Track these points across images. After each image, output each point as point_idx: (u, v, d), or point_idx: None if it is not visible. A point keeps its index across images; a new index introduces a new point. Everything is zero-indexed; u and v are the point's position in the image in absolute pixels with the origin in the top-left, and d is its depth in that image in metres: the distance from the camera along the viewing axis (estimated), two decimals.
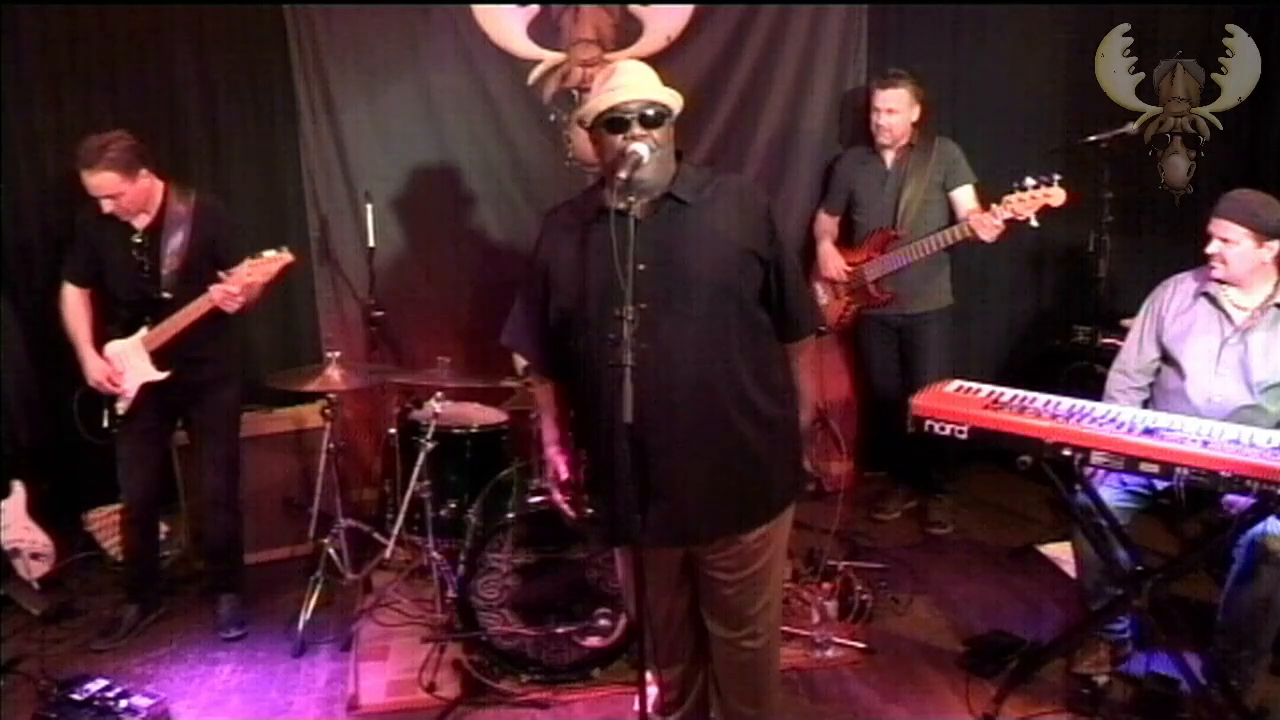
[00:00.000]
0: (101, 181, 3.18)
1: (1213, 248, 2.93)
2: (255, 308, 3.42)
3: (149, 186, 3.31)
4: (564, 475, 2.42)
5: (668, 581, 2.35)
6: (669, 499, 2.18)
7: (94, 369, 3.34)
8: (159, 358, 3.34)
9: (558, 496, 2.44)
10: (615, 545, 2.41)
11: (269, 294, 3.45)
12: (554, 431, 2.47)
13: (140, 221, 3.33)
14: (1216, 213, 2.93)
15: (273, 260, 3.31)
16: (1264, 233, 2.86)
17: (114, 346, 3.35)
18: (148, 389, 3.36)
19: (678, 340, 2.13)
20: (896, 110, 3.99)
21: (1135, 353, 3.16)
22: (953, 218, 4.00)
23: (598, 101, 2.15)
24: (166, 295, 3.31)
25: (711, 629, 2.39)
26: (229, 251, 3.39)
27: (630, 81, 2.15)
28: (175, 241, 3.32)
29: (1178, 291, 3.10)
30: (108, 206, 3.24)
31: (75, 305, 3.41)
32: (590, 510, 2.40)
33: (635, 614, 2.25)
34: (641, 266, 2.05)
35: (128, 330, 3.35)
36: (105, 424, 3.40)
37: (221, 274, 3.32)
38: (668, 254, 2.14)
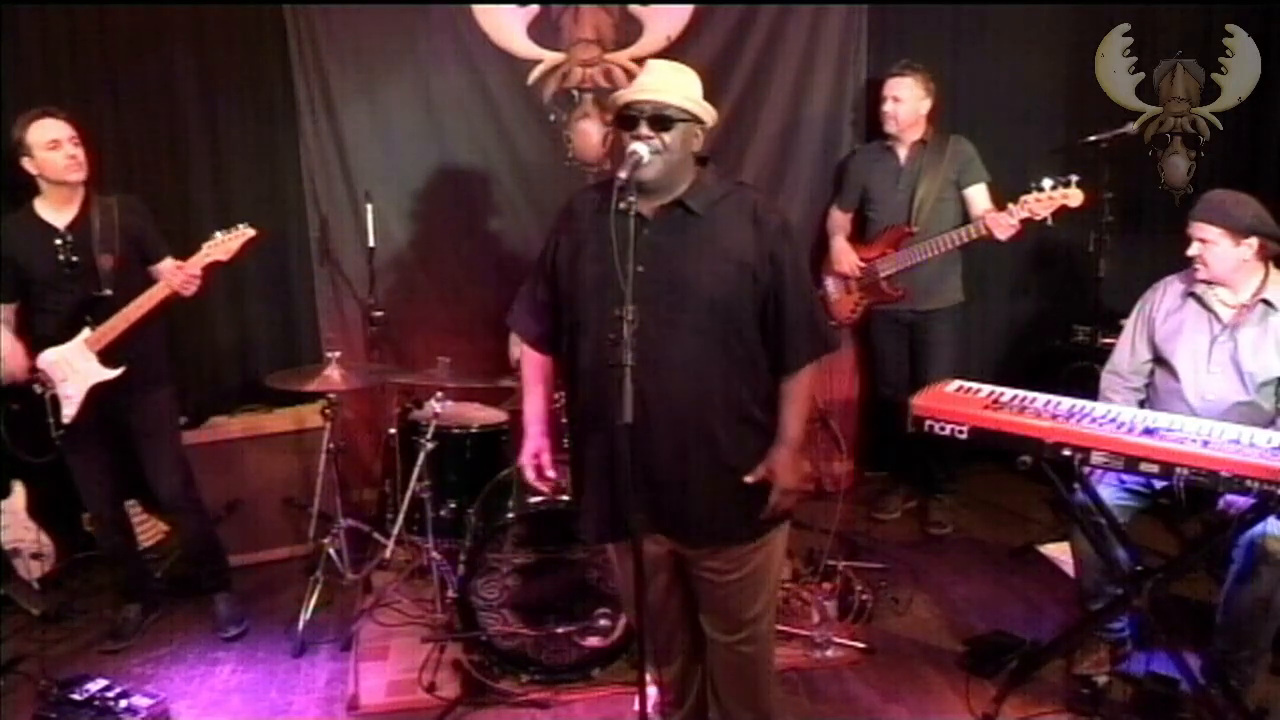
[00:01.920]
0: (69, 127, 3.20)
1: (1193, 250, 2.95)
2: (205, 293, 3.34)
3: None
4: (543, 457, 2.40)
5: (660, 576, 2.35)
6: (647, 497, 2.16)
7: (7, 355, 3.22)
8: (107, 356, 3.26)
9: (530, 475, 2.42)
10: (605, 541, 2.39)
11: (206, 290, 3.34)
12: (539, 407, 2.44)
13: (63, 220, 3.27)
14: (1192, 215, 2.95)
15: (233, 238, 3.26)
16: (1238, 230, 2.87)
17: (51, 354, 3.26)
18: (91, 394, 3.27)
19: (662, 346, 2.12)
20: (902, 99, 3.99)
21: (1128, 354, 3.17)
22: (966, 216, 4.01)
23: (616, 96, 2.19)
24: (108, 292, 3.24)
25: (708, 632, 2.39)
26: (154, 247, 3.36)
27: (652, 82, 2.17)
28: (104, 238, 3.26)
29: (1167, 293, 3.11)
30: (71, 150, 3.20)
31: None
32: (572, 502, 2.38)
33: (634, 614, 2.24)
34: (640, 268, 2.05)
35: (65, 339, 3.25)
36: (51, 434, 3.28)
37: (166, 263, 3.28)
38: (666, 260, 2.14)
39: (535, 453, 2.42)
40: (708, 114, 2.21)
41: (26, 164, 3.23)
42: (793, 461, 2.25)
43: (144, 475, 3.53)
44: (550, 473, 2.43)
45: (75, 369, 3.27)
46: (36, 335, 3.30)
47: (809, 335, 2.26)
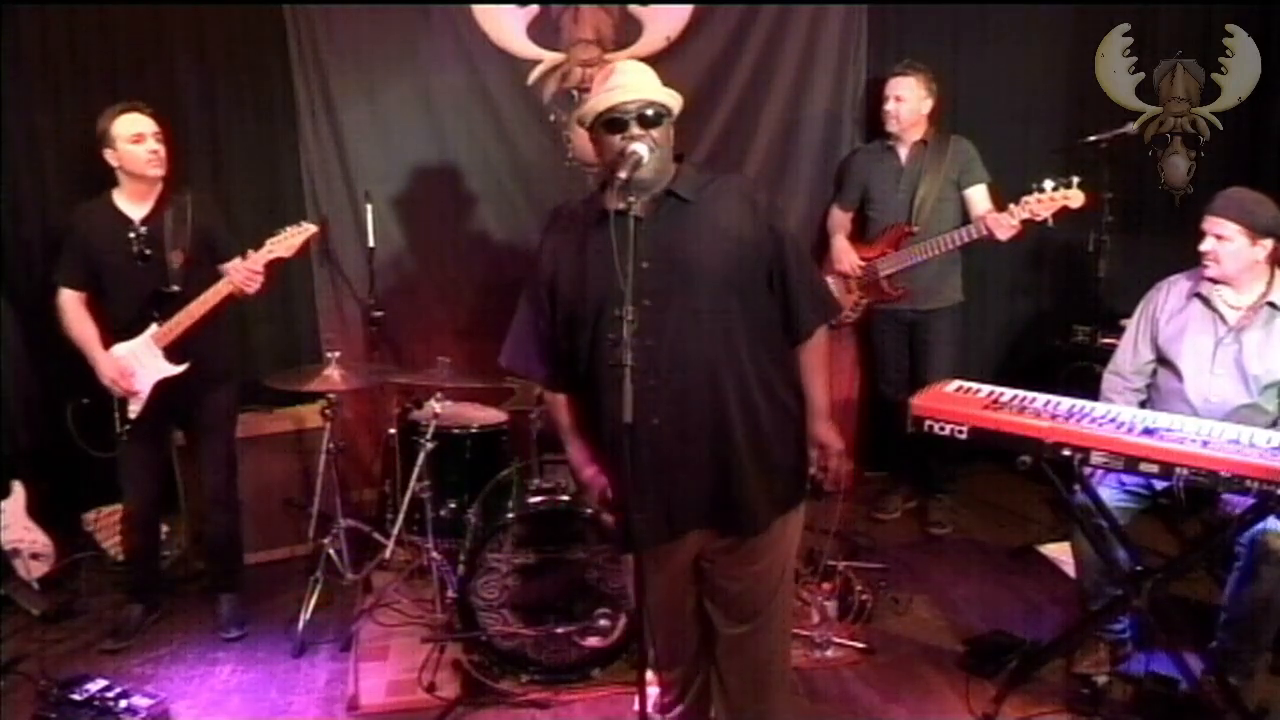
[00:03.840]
0: (154, 122, 3.27)
1: (1206, 245, 2.93)
2: (267, 290, 3.36)
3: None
4: (609, 493, 2.29)
5: (679, 580, 2.35)
6: (683, 492, 2.19)
7: (106, 367, 3.27)
8: (172, 352, 3.30)
9: (609, 518, 2.35)
10: (638, 552, 2.27)
11: (270, 286, 3.39)
12: (582, 451, 2.35)
13: (138, 213, 3.31)
14: (1211, 210, 2.93)
15: (296, 234, 3.30)
16: (1257, 230, 2.86)
17: (120, 349, 3.30)
18: (156, 390, 3.32)
19: (684, 335, 2.13)
20: (904, 99, 4.00)
21: (1130, 355, 3.17)
22: (966, 216, 4.01)
23: (596, 102, 2.16)
24: (176, 288, 3.28)
25: (718, 624, 2.38)
26: (224, 246, 3.39)
27: (629, 82, 2.16)
28: (175, 234, 3.30)
29: (1171, 293, 3.11)
30: (154, 145, 3.26)
31: (76, 310, 3.34)
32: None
33: (649, 617, 2.23)
34: (645, 264, 2.06)
35: (132, 332, 3.31)
36: (118, 429, 3.33)
37: (233, 263, 3.29)
38: (670, 250, 2.14)
39: (600, 496, 2.32)
40: (679, 105, 2.22)
41: (108, 155, 3.27)
42: (831, 427, 2.33)
43: (193, 468, 3.57)
44: (610, 492, 2.33)
45: (142, 364, 3.31)
46: (106, 328, 3.33)
47: (814, 302, 2.30)
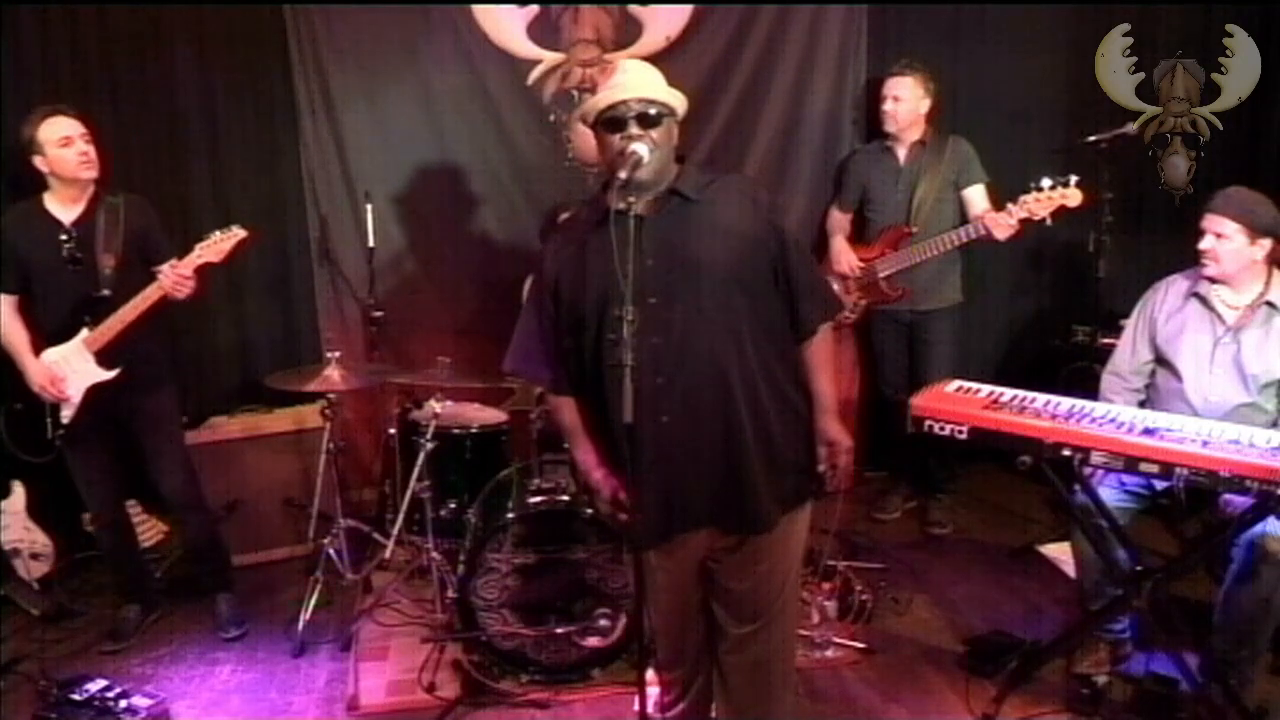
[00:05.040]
0: (80, 124, 3.22)
1: (1206, 243, 2.92)
2: (199, 295, 3.32)
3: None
4: (621, 495, 2.23)
5: (684, 579, 2.34)
6: (690, 490, 2.19)
7: (36, 374, 3.23)
8: (104, 357, 3.26)
9: (623, 518, 2.27)
10: (643, 549, 2.22)
11: (202, 291, 3.33)
12: (591, 453, 2.32)
13: (69, 216, 3.27)
14: (1211, 208, 2.93)
15: (225, 239, 3.25)
16: (1257, 230, 2.86)
17: (51, 354, 3.26)
18: (90, 394, 3.28)
19: (690, 332, 2.14)
20: (902, 99, 4.01)
21: (1129, 355, 3.17)
22: (965, 216, 4.02)
23: (597, 99, 2.17)
24: (106, 293, 3.24)
25: (723, 623, 2.37)
26: (159, 248, 3.35)
27: (630, 80, 2.17)
28: (107, 237, 3.26)
29: (1169, 293, 3.11)
30: (83, 146, 3.21)
31: (8, 315, 3.29)
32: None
33: (652, 615, 2.24)
34: (650, 261, 2.07)
35: (63, 337, 3.27)
36: (49, 435, 3.29)
37: (164, 267, 3.24)
38: (675, 248, 2.15)
39: (612, 498, 2.27)
40: (683, 105, 2.22)
41: (38, 162, 3.23)
42: (839, 424, 2.33)
43: (147, 475, 3.53)
44: (620, 492, 2.28)
45: (74, 369, 3.27)
46: (38, 332, 3.29)
47: (817, 299, 2.31)
